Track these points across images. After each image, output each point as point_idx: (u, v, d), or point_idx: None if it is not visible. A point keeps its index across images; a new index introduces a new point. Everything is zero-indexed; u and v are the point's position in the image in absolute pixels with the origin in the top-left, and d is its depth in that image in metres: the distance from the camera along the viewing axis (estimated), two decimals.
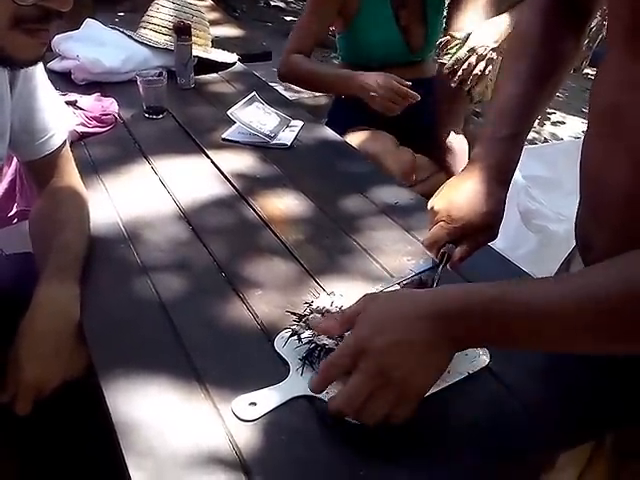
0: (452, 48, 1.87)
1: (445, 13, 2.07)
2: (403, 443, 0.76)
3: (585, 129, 0.93)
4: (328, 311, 0.92)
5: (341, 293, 0.99)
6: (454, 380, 0.85)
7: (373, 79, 1.75)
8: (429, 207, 1.02)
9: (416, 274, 1.01)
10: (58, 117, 1.18)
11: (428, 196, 1.07)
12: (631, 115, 0.80)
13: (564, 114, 4.76)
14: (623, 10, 0.80)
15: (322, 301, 0.96)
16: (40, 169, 1.18)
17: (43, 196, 1.17)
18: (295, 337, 0.90)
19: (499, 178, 0.99)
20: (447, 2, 2.03)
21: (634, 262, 0.66)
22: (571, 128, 4.52)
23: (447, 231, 0.98)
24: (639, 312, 0.64)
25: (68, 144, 1.21)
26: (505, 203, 1.00)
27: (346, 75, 1.86)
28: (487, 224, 0.98)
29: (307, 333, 0.89)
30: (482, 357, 0.89)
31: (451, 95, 2.00)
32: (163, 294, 1.01)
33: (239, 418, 0.79)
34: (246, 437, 0.76)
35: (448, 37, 1.90)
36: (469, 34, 1.85)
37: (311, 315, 0.92)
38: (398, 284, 1.00)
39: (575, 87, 5.10)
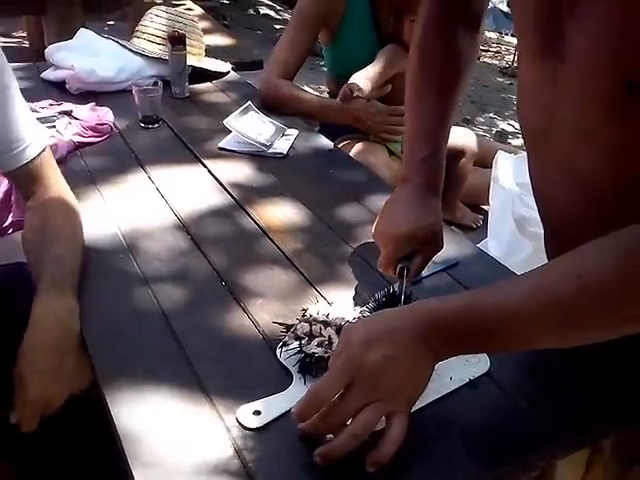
0: None
1: None
2: (405, 449, 0.77)
3: None
4: (315, 319, 0.92)
5: (342, 304, 1.00)
6: (456, 386, 0.86)
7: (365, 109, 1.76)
8: (371, 234, 1.04)
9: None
10: (33, 128, 1.17)
11: None
12: (554, 134, 0.81)
13: None
14: (529, 34, 0.81)
15: (315, 309, 0.96)
16: (22, 179, 1.17)
17: (31, 209, 1.16)
18: (285, 348, 0.90)
19: (431, 192, 1.04)
20: None
21: (583, 257, 0.69)
22: None
23: (394, 251, 1.00)
24: (592, 305, 0.67)
25: (50, 153, 1.20)
26: (440, 214, 1.04)
27: (336, 106, 1.84)
28: (430, 235, 1.02)
29: (295, 343, 0.90)
30: (482, 363, 0.90)
31: None
32: (164, 304, 1.01)
33: (244, 427, 0.79)
34: (251, 445, 0.77)
35: None
36: None
37: (299, 324, 0.92)
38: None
39: None
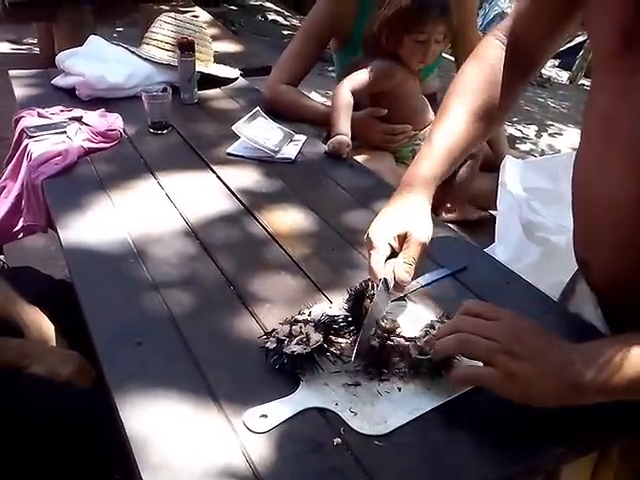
0: None
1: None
2: (410, 454, 0.78)
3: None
4: (296, 320, 0.92)
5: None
6: (462, 392, 0.86)
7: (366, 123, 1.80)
8: (365, 238, 1.02)
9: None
10: None
11: (434, 210, 1.09)
12: (625, 126, 0.82)
13: (561, 125, 4.81)
14: (607, 32, 0.83)
15: (315, 310, 0.96)
16: None
17: None
18: (268, 353, 0.90)
19: (426, 198, 1.04)
20: None
21: None
22: (568, 139, 4.56)
23: (380, 251, 0.98)
24: None
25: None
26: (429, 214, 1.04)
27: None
28: (416, 225, 1.00)
29: (275, 346, 0.90)
30: None
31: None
32: (173, 308, 1.02)
33: (251, 430, 0.80)
34: (259, 449, 0.77)
35: None
36: None
37: (279, 328, 0.92)
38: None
39: (572, 98, 5.14)
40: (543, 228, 1.60)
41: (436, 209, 2.01)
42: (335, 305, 1.01)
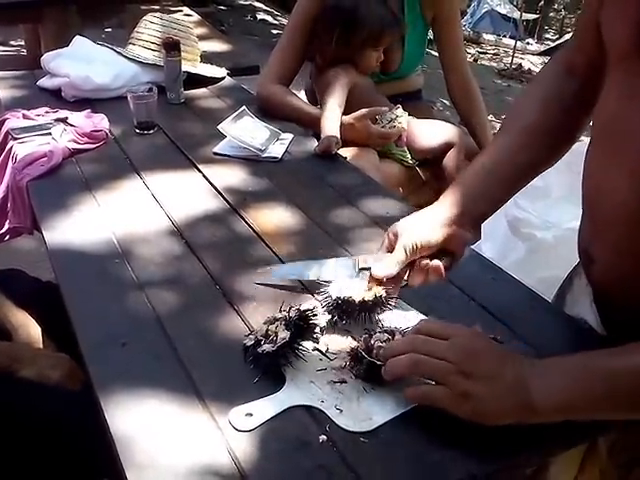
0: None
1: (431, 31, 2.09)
2: (396, 450, 0.78)
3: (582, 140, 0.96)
4: (275, 318, 0.92)
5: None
6: None
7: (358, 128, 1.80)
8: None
9: None
10: None
11: (421, 206, 1.08)
12: (632, 126, 0.82)
13: None
14: (627, 31, 0.82)
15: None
16: None
17: None
18: (247, 352, 0.91)
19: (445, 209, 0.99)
20: (429, 19, 2.04)
21: None
22: None
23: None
24: None
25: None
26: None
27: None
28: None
29: (251, 344, 0.90)
30: None
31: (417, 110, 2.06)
32: (158, 308, 1.02)
33: (236, 429, 0.80)
34: (244, 447, 0.77)
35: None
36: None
37: (259, 328, 0.92)
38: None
39: None
40: (529, 224, 1.61)
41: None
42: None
